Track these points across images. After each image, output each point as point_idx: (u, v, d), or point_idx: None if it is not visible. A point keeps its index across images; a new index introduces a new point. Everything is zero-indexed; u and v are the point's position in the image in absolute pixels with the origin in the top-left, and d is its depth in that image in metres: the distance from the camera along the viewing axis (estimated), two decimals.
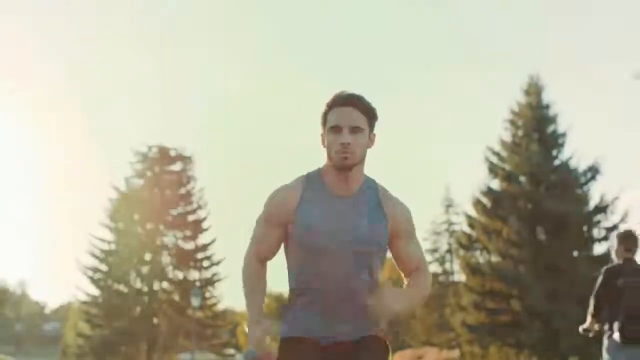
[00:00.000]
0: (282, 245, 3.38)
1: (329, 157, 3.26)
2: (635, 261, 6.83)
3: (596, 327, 6.85)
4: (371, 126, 3.28)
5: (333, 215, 3.23)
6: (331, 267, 3.21)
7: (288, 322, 3.33)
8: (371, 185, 3.33)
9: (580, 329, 7.08)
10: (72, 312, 55.71)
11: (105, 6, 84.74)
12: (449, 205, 44.67)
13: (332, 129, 3.23)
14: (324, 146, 3.29)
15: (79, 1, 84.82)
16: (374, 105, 3.31)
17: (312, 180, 3.31)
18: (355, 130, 3.21)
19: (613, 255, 7.08)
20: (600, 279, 6.84)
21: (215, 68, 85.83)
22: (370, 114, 3.26)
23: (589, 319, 6.89)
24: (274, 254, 3.38)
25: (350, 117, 3.21)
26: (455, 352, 38.10)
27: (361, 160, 3.26)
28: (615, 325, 6.54)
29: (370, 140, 3.29)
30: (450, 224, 44.65)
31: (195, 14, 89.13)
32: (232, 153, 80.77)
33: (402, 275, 3.47)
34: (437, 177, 76.01)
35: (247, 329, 3.24)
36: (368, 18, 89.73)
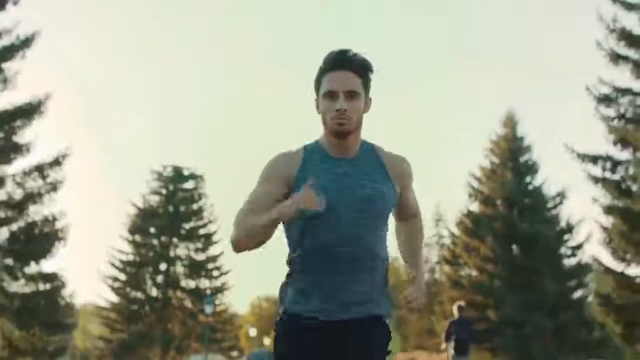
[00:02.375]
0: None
1: (325, 124, 3.22)
2: (463, 316, 13.51)
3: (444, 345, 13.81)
4: (367, 89, 3.23)
5: (337, 176, 3.19)
6: (338, 228, 3.14)
7: (288, 299, 3.27)
8: (369, 148, 3.32)
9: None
10: (82, 317, 60.85)
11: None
12: (438, 220, 50.30)
13: (326, 95, 3.18)
14: (319, 113, 3.24)
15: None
16: (368, 61, 3.24)
17: (311, 149, 3.29)
18: (351, 95, 3.16)
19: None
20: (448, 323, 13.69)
21: (226, 94, 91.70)
22: (366, 75, 3.21)
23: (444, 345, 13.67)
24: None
25: (345, 81, 3.15)
26: (444, 356, 43.74)
27: (358, 126, 3.22)
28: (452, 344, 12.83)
29: (367, 105, 3.25)
30: (441, 237, 50.28)
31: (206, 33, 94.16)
32: (241, 172, 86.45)
33: (396, 218, 3.53)
34: (429, 191, 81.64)
35: (276, 215, 3.05)
36: (368, 19, 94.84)
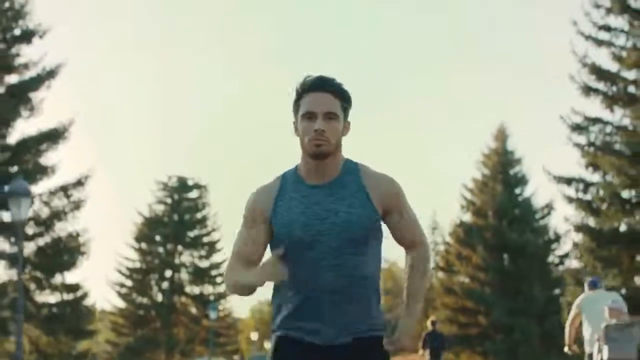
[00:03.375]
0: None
1: (302, 145, 3.20)
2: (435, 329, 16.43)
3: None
4: (345, 112, 3.23)
5: (310, 206, 3.17)
6: (314, 260, 3.13)
7: (276, 315, 3.28)
8: (351, 169, 3.27)
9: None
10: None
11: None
12: (434, 228, 53.08)
13: (305, 116, 3.17)
14: (297, 135, 3.23)
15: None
16: (347, 88, 3.25)
17: (288, 176, 3.27)
18: (329, 116, 3.15)
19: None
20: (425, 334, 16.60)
21: (226, 95, 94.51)
22: (344, 99, 3.22)
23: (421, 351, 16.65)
24: (260, 257, 3.27)
25: (324, 102, 3.16)
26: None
27: (336, 149, 3.20)
28: (427, 351, 15.63)
29: (345, 128, 3.25)
30: (436, 244, 53.00)
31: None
32: (243, 182, 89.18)
33: (399, 244, 3.42)
34: (425, 199, 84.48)
35: (247, 279, 3.10)
36: (368, 20, 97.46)
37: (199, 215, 48.39)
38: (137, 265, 47.11)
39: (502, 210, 39.76)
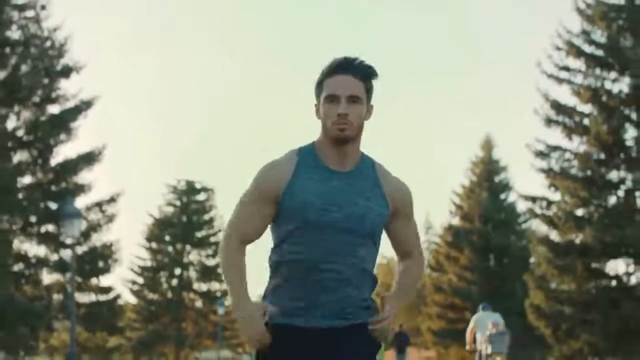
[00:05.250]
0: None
1: (324, 129, 3.26)
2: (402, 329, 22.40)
3: None
4: (369, 94, 3.28)
5: (328, 191, 3.22)
6: (324, 245, 3.20)
7: (273, 296, 3.32)
8: (369, 163, 3.34)
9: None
10: None
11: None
12: (428, 227, 58.50)
13: (327, 99, 3.22)
14: (319, 118, 3.29)
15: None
16: (372, 67, 3.29)
17: (305, 155, 3.30)
18: (353, 100, 3.20)
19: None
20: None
21: (226, 96, 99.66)
22: (369, 81, 3.27)
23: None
24: (258, 236, 3.33)
25: (347, 85, 3.21)
26: (431, 352, 51.98)
27: (358, 133, 3.26)
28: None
29: (368, 112, 3.29)
30: (430, 243, 58.36)
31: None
32: (247, 180, 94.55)
33: (395, 253, 3.55)
34: (420, 198, 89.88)
35: (237, 315, 3.24)
36: (368, 19, 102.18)
37: (206, 217, 52.92)
38: (148, 263, 51.58)
39: (487, 215, 45.02)
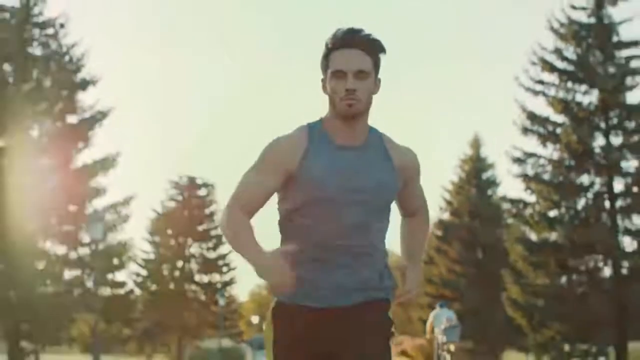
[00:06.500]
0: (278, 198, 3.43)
1: (332, 104, 3.30)
2: None
3: None
4: (377, 68, 3.33)
5: (341, 167, 3.28)
6: (338, 220, 3.26)
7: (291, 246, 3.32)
8: (376, 136, 3.41)
9: None
10: None
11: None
12: None
13: (335, 74, 3.26)
14: (326, 93, 3.33)
15: None
16: (379, 41, 3.32)
17: (315, 131, 3.35)
18: (360, 74, 3.24)
19: None
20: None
21: (232, 108, 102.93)
22: (376, 54, 3.31)
23: None
24: (259, 205, 3.37)
25: (355, 60, 3.24)
26: (422, 340, 55.69)
27: (367, 108, 3.31)
28: None
29: (376, 86, 3.33)
30: None
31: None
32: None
33: (400, 212, 3.67)
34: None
35: (258, 271, 3.19)
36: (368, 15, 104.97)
37: (207, 211, 55.64)
38: (151, 256, 54.54)
39: (475, 211, 48.81)
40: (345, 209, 3.29)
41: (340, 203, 3.28)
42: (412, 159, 3.49)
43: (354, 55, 3.25)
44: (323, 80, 3.35)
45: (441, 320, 20.53)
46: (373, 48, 3.31)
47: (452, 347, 20.20)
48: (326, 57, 3.32)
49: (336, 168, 3.30)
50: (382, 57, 3.36)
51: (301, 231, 3.35)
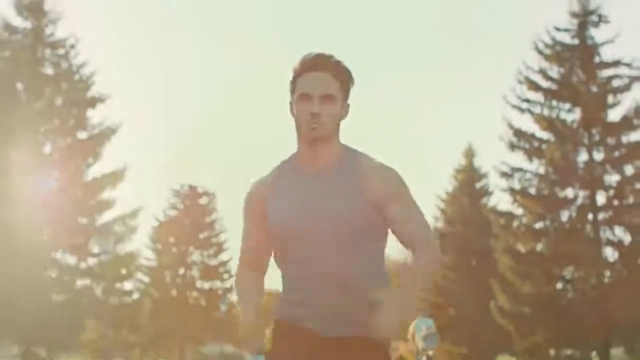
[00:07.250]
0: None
1: (298, 129, 3.30)
2: None
3: None
4: (345, 93, 3.30)
5: (304, 198, 3.28)
6: (310, 254, 3.25)
7: (280, 304, 3.42)
8: (349, 157, 3.34)
9: None
10: None
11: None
12: None
13: (301, 97, 3.25)
14: (293, 116, 3.31)
15: None
16: (348, 68, 3.30)
17: (285, 166, 3.38)
18: (326, 98, 3.22)
19: None
20: None
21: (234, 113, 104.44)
22: (344, 80, 3.28)
23: None
24: (261, 255, 3.47)
25: (321, 83, 3.23)
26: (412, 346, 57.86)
27: (333, 133, 3.28)
28: None
29: (344, 111, 3.31)
30: None
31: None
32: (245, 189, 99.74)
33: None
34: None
35: (243, 328, 3.28)
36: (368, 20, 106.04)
37: (208, 220, 57.39)
38: (154, 263, 55.82)
39: (468, 220, 50.99)
40: (309, 240, 3.29)
41: (302, 234, 3.29)
42: (384, 179, 3.33)
43: (320, 79, 3.26)
44: (291, 104, 3.35)
45: (421, 328, 22.53)
46: (341, 72, 3.31)
47: (430, 353, 22.41)
48: (294, 81, 3.32)
49: (299, 200, 3.32)
50: (351, 84, 3.36)
51: (282, 267, 3.46)
